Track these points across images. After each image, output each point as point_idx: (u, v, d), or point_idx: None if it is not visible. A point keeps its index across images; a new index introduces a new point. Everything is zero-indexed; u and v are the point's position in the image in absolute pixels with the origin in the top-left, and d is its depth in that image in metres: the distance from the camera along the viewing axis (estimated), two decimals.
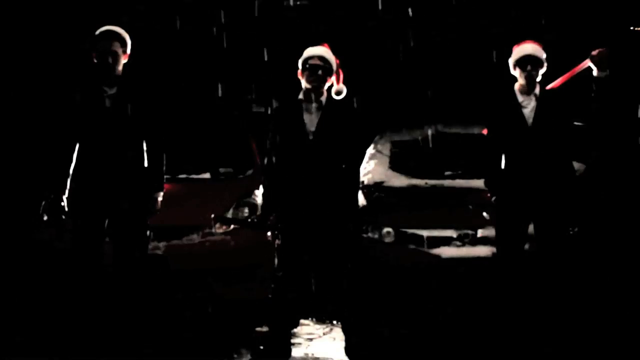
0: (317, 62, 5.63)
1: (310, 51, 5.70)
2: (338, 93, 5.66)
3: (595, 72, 5.74)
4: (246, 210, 6.75)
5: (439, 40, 10.42)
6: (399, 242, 6.71)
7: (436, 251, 6.61)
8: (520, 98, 5.92)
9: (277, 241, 5.77)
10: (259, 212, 6.64)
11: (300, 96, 5.72)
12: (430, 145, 7.76)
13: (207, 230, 6.58)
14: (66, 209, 5.88)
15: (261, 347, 5.92)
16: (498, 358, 5.80)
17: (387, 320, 6.67)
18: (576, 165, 6.18)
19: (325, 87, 5.69)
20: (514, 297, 5.85)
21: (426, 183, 7.28)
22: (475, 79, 9.93)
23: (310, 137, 5.63)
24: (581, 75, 5.86)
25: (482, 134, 6.19)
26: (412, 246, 6.67)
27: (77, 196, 5.81)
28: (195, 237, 6.55)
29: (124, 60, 5.85)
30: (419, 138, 7.84)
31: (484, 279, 6.36)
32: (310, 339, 6.34)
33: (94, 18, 5.39)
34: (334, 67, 5.67)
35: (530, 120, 5.87)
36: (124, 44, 5.84)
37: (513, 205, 5.88)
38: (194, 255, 6.47)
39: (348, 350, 5.69)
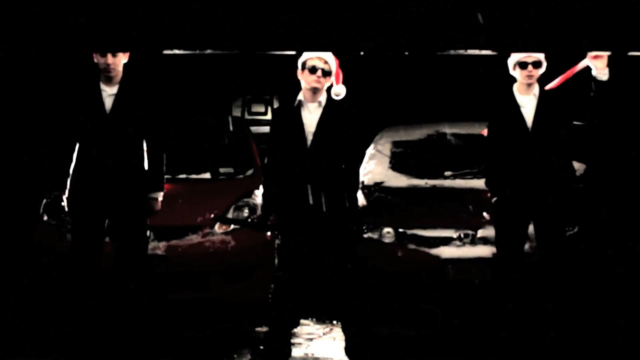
0: (317, 62, 5.63)
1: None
2: (337, 94, 5.66)
3: (594, 72, 5.74)
4: (246, 210, 6.75)
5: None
6: (399, 242, 6.71)
7: (436, 251, 6.61)
8: (519, 98, 5.92)
9: (277, 241, 5.77)
10: (259, 212, 6.64)
11: (300, 96, 5.72)
12: (430, 145, 7.76)
13: (207, 230, 6.59)
14: (66, 208, 5.89)
15: (261, 347, 5.92)
16: (498, 358, 5.80)
17: (387, 320, 6.67)
18: (576, 165, 6.18)
19: (325, 87, 5.69)
20: (514, 297, 5.85)
21: (426, 183, 7.28)
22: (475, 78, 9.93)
23: (310, 137, 5.64)
24: (580, 75, 5.87)
25: (482, 134, 6.20)
26: (412, 246, 6.67)
27: (77, 196, 5.82)
28: (195, 237, 6.55)
29: (124, 59, 5.85)
30: (419, 138, 7.83)
31: (484, 279, 6.36)
32: (310, 339, 6.34)
33: (94, 18, 5.38)
34: (334, 67, 5.67)
35: (529, 121, 5.87)
36: None
37: (513, 205, 5.88)
38: (194, 255, 6.48)
39: (348, 350, 5.69)
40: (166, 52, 5.23)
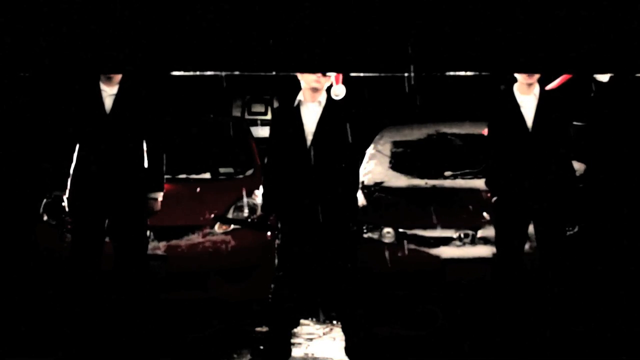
0: None
1: None
2: (337, 94, 5.66)
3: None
4: (246, 210, 6.75)
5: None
6: (399, 242, 6.71)
7: (436, 251, 6.61)
8: (519, 98, 5.92)
9: (277, 241, 5.77)
10: (259, 212, 6.64)
11: (300, 96, 5.72)
12: (430, 145, 7.76)
13: (207, 230, 6.59)
14: (66, 209, 5.89)
15: (261, 347, 5.92)
16: (498, 358, 5.80)
17: (387, 320, 6.67)
18: (576, 165, 6.19)
19: (325, 87, 5.69)
20: (514, 297, 5.85)
21: (426, 183, 7.28)
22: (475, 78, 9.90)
23: (310, 137, 5.63)
24: (581, 76, 5.86)
25: (482, 134, 6.20)
26: (412, 246, 6.67)
27: (77, 196, 5.82)
28: (195, 237, 6.55)
29: None
30: (419, 138, 7.84)
31: (484, 279, 6.37)
32: (310, 339, 6.34)
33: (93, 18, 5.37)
34: None
35: (529, 121, 5.87)
36: None
37: (513, 205, 5.88)
38: (194, 255, 6.48)
39: (348, 350, 5.69)
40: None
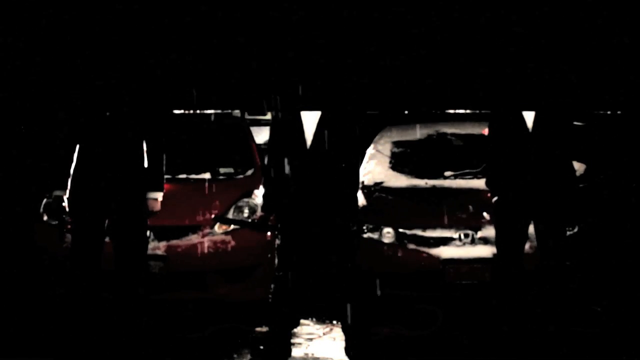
0: None
1: None
2: None
3: None
4: (246, 210, 6.76)
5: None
6: (399, 242, 6.71)
7: (436, 251, 6.61)
8: None
9: (277, 241, 5.77)
10: (259, 212, 6.64)
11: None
12: (430, 145, 7.77)
13: (207, 230, 6.59)
14: (67, 209, 5.89)
15: (261, 347, 5.92)
16: (498, 358, 5.80)
17: (387, 320, 6.67)
18: (576, 165, 6.19)
19: None
20: (514, 297, 5.85)
21: (426, 183, 7.28)
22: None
23: (310, 138, 5.63)
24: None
25: (482, 134, 6.20)
26: (412, 246, 6.67)
27: (77, 196, 5.82)
28: (195, 237, 6.55)
29: None
30: (419, 138, 7.84)
31: (484, 279, 6.37)
32: (310, 339, 6.34)
33: (93, 18, 5.40)
34: None
35: (529, 121, 5.87)
36: None
37: (513, 205, 5.88)
38: (194, 255, 6.48)
39: (348, 350, 5.69)
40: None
